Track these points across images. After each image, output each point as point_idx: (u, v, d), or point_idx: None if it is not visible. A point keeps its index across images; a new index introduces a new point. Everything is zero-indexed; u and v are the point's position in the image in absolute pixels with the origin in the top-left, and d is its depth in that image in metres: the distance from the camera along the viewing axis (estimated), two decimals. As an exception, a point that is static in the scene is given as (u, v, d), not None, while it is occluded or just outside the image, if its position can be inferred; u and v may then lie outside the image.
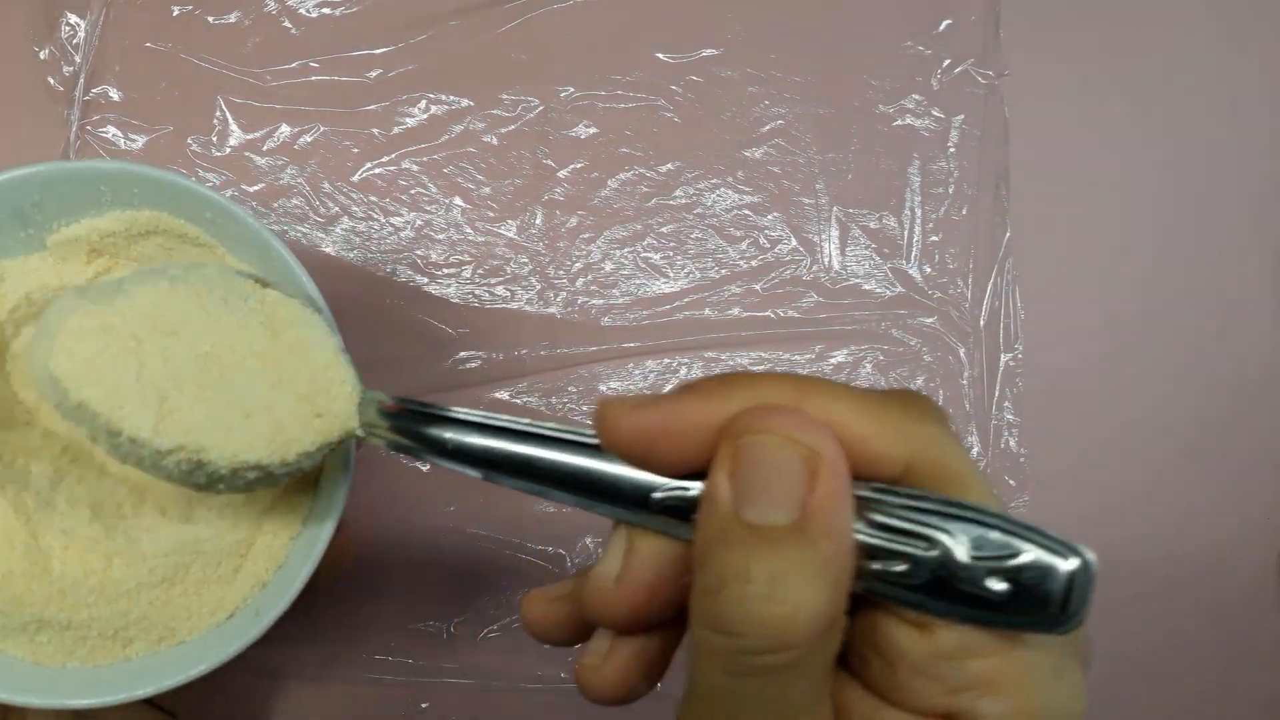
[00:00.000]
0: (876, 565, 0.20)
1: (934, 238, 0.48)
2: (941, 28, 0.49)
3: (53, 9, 0.46)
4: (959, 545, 0.19)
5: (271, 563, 0.31)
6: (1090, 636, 0.21)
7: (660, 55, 0.48)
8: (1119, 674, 0.45)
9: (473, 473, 0.24)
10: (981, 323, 0.47)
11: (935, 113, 0.49)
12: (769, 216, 0.47)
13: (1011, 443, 0.46)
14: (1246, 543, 0.47)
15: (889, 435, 0.20)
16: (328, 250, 0.46)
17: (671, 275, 0.47)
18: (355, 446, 0.30)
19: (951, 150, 0.48)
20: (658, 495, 0.22)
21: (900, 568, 0.19)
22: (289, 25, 0.47)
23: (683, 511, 0.21)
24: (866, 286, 0.47)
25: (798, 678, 0.19)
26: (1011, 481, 0.46)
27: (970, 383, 0.47)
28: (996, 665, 0.19)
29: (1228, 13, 0.51)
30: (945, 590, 0.19)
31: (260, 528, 0.31)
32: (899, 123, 0.49)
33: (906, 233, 0.48)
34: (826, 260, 0.47)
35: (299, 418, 0.27)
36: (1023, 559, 0.19)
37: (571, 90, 0.48)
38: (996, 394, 0.47)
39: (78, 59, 0.46)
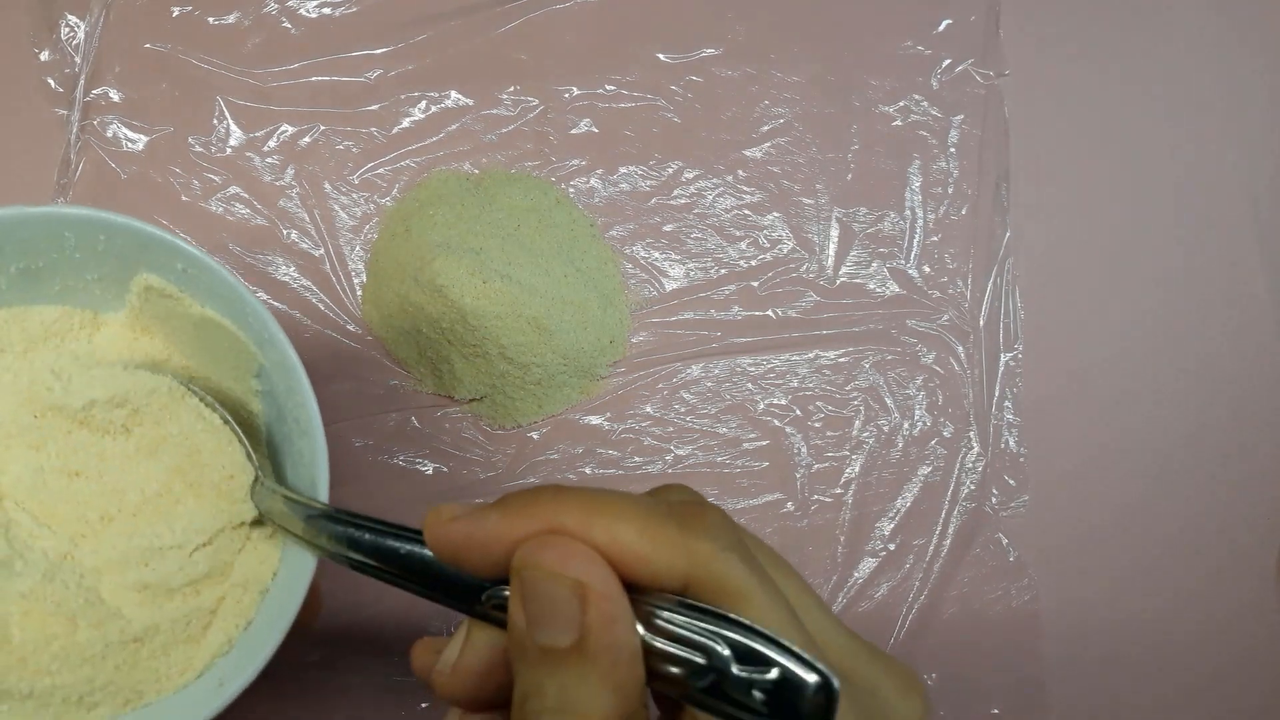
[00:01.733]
0: (671, 669, 0.22)
1: (934, 238, 0.48)
2: (941, 28, 0.49)
3: (53, 10, 0.46)
4: (730, 656, 0.21)
5: (241, 619, 0.31)
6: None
7: (660, 55, 0.48)
8: (1118, 674, 0.45)
9: (342, 563, 0.27)
10: (981, 323, 0.47)
11: (935, 113, 0.48)
12: (769, 216, 0.47)
13: (1011, 443, 0.46)
14: (1246, 543, 0.47)
15: (666, 554, 0.22)
16: (328, 250, 0.46)
17: (671, 275, 0.47)
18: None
19: (951, 150, 0.48)
20: (485, 595, 0.24)
21: (683, 674, 0.22)
22: (289, 26, 0.47)
23: (503, 610, 0.24)
24: (866, 286, 0.47)
25: None
26: (1012, 481, 0.46)
27: (970, 383, 0.47)
28: None
29: (1230, 12, 0.51)
30: (718, 697, 0.21)
31: (229, 581, 0.31)
32: (899, 123, 0.49)
33: (906, 233, 0.48)
34: (826, 260, 0.47)
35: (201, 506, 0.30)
36: (775, 673, 0.21)
37: (571, 90, 0.48)
38: (996, 394, 0.47)
39: (78, 60, 0.46)
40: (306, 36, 0.47)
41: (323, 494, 0.29)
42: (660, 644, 0.22)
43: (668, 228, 0.47)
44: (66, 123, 0.45)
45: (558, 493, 0.23)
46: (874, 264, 0.47)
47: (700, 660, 0.22)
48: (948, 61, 0.49)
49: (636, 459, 0.45)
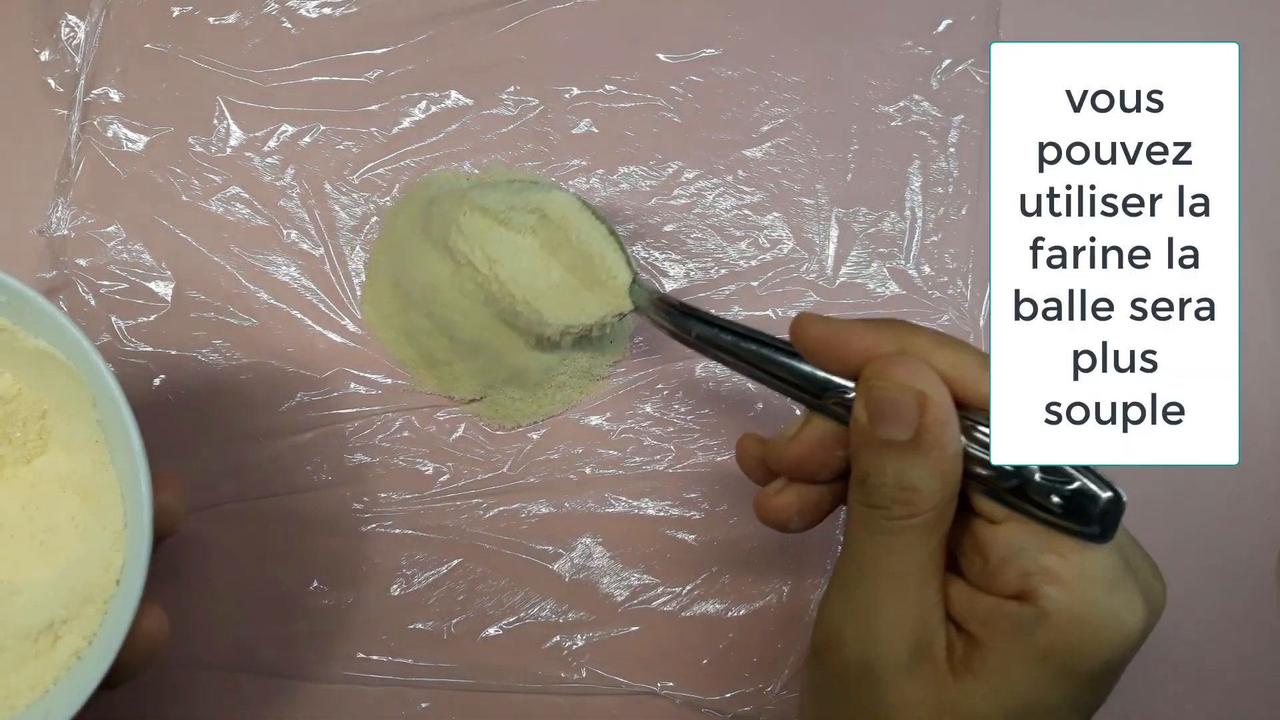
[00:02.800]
0: (983, 470, 0.28)
1: (934, 238, 0.48)
2: (941, 28, 0.49)
3: (52, 10, 0.46)
4: (1034, 466, 0.27)
5: (83, 642, 0.30)
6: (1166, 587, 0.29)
7: (660, 55, 0.48)
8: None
9: (709, 353, 0.34)
10: (981, 323, 0.47)
11: (935, 113, 0.49)
12: (769, 216, 0.48)
13: (1011, 443, 0.46)
14: (1246, 543, 0.47)
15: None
16: (328, 250, 0.46)
17: (671, 275, 0.47)
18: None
19: (951, 150, 0.48)
20: (828, 394, 0.30)
21: (996, 475, 0.28)
22: (289, 25, 0.47)
23: (843, 406, 0.30)
24: (866, 286, 0.47)
25: (917, 539, 0.28)
26: (1011, 481, 0.46)
27: (970, 383, 0.47)
28: (1060, 563, 0.27)
29: (1226, 14, 0.51)
30: (1023, 495, 0.27)
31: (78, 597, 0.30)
32: (899, 123, 0.49)
33: (906, 233, 0.48)
34: (826, 260, 0.47)
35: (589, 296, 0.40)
36: (1075, 484, 0.27)
37: (571, 90, 0.48)
38: (996, 394, 0.47)
39: (78, 60, 0.46)
40: (306, 36, 0.47)
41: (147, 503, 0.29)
42: (977, 450, 0.28)
43: (668, 228, 0.47)
44: (66, 123, 0.45)
45: (908, 327, 0.30)
46: (874, 264, 0.47)
47: (1009, 465, 0.27)
48: (948, 61, 0.49)
49: (636, 459, 0.45)
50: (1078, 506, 0.26)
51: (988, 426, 0.28)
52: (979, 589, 0.29)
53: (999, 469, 0.27)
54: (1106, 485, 0.26)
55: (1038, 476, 0.27)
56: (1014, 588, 0.28)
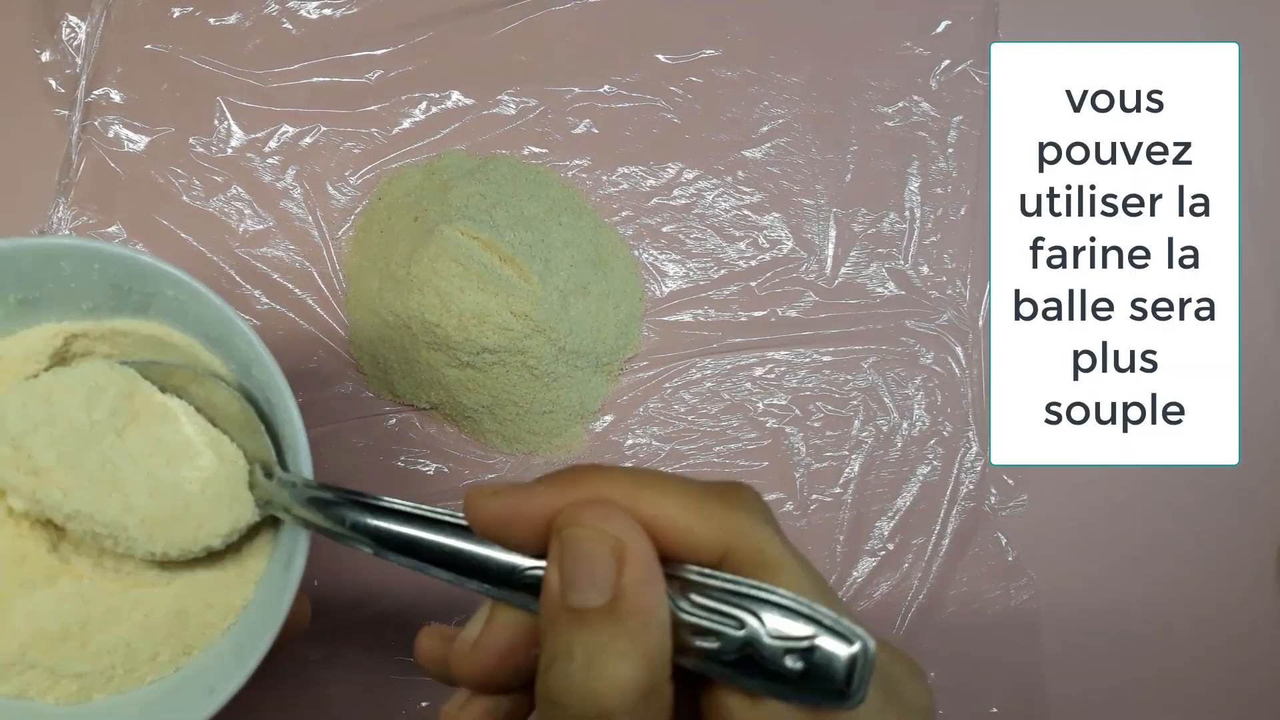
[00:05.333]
0: (699, 642, 0.22)
1: (933, 238, 0.48)
2: (940, 28, 0.49)
3: (53, 11, 0.46)
4: (763, 626, 0.22)
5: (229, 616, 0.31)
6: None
7: (660, 55, 0.48)
8: (1117, 672, 0.45)
9: (365, 549, 0.27)
10: (980, 323, 0.47)
11: (934, 113, 0.49)
12: (769, 216, 0.48)
13: (1011, 442, 0.46)
14: (1246, 541, 0.47)
15: (708, 524, 0.23)
16: (329, 251, 0.46)
17: (671, 275, 0.47)
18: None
19: (951, 150, 0.48)
20: (518, 575, 0.25)
21: (714, 644, 0.22)
22: (289, 26, 0.47)
23: (536, 589, 0.24)
24: (866, 287, 0.47)
25: None
26: (1010, 481, 0.46)
27: (969, 383, 0.47)
28: None
29: (1226, 14, 0.51)
30: (753, 667, 0.22)
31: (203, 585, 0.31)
32: (898, 123, 0.49)
33: (906, 233, 0.48)
34: (825, 260, 0.47)
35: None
36: (813, 642, 0.22)
37: (572, 90, 0.48)
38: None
39: (79, 61, 0.46)
40: (307, 37, 0.47)
41: (308, 472, 0.30)
42: (690, 614, 0.23)
43: (667, 228, 0.47)
44: (68, 123, 0.45)
45: (603, 469, 0.24)
46: (873, 264, 0.48)
47: (732, 631, 0.22)
48: (947, 62, 0.49)
49: (636, 459, 0.45)
50: (819, 670, 0.22)
51: (704, 578, 0.23)
52: None
53: (725, 638, 0.22)
54: (852, 635, 0.22)
55: (767, 640, 0.22)
56: None
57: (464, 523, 0.25)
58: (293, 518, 0.29)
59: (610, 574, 0.22)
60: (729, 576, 0.23)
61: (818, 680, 0.22)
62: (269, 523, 0.31)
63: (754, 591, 0.22)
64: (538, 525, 0.24)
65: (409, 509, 0.27)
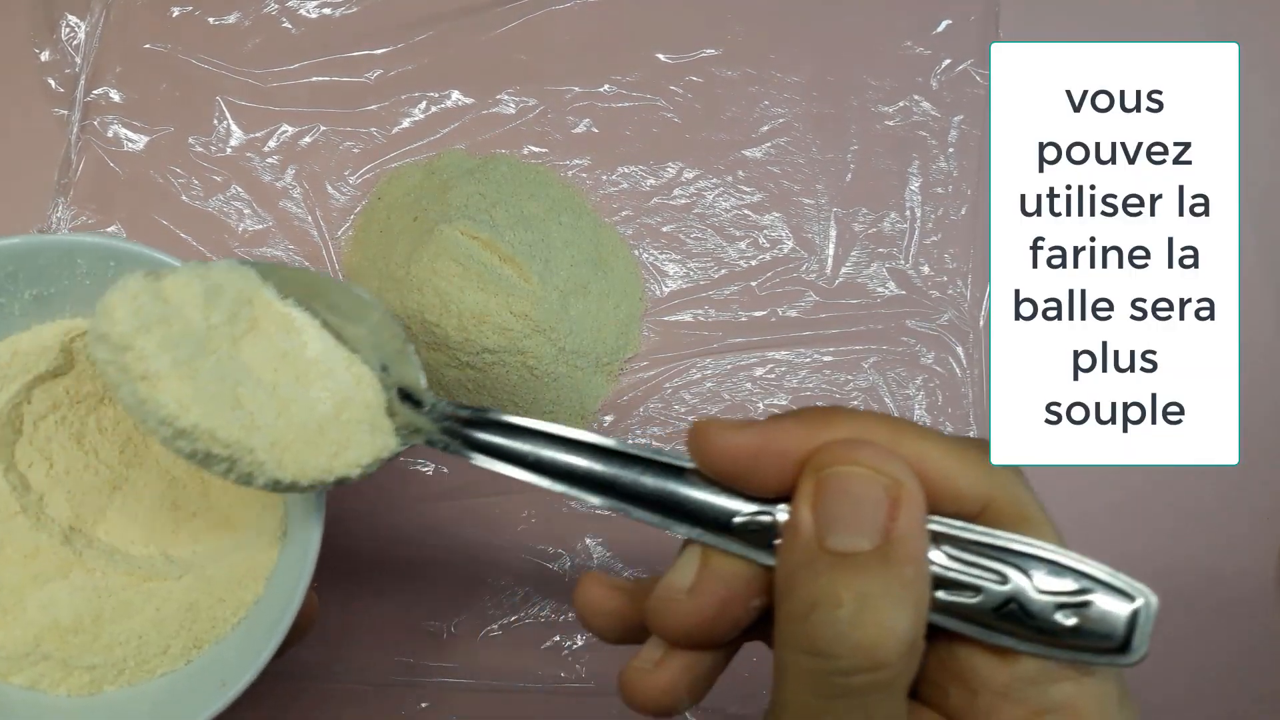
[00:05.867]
0: (947, 596, 0.21)
1: (934, 238, 0.48)
2: (941, 28, 0.49)
3: (53, 11, 0.46)
4: (1030, 581, 0.21)
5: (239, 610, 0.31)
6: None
7: (660, 55, 0.48)
8: (1118, 673, 0.45)
9: (556, 488, 0.24)
10: (981, 323, 0.47)
11: (935, 113, 0.49)
12: (769, 216, 0.48)
13: (1011, 442, 0.46)
14: (1246, 542, 0.47)
15: (972, 474, 0.22)
16: (329, 251, 0.46)
17: (671, 275, 0.47)
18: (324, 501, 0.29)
19: (951, 150, 0.48)
20: (739, 520, 0.23)
21: (972, 599, 0.21)
22: (289, 26, 0.47)
23: (760, 536, 0.22)
24: (866, 286, 0.47)
25: (885, 698, 0.20)
26: (1011, 481, 0.46)
27: (970, 383, 0.47)
28: (1074, 691, 0.21)
29: (1226, 14, 0.51)
30: (1013, 621, 0.21)
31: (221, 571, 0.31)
32: (899, 122, 0.49)
33: (906, 233, 0.48)
34: (826, 260, 0.47)
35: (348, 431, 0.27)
36: (1090, 596, 0.21)
37: (572, 90, 0.48)
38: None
39: (78, 60, 0.46)
40: (307, 36, 0.47)
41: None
42: (944, 568, 0.21)
43: (667, 228, 0.47)
44: (67, 123, 0.45)
45: (851, 410, 0.22)
46: (874, 264, 0.47)
47: (995, 585, 0.21)
48: (947, 61, 0.49)
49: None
50: (1097, 626, 0.21)
51: (966, 533, 0.22)
52: None
53: (985, 592, 0.21)
54: (1132, 590, 0.21)
55: (1034, 593, 0.21)
56: None
57: (668, 461, 0.24)
58: (456, 451, 0.26)
59: (881, 517, 0.20)
60: (990, 530, 0.22)
61: (1092, 636, 0.21)
62: (280, 516, 0.31)
63: (1021, 547, 0.22)
64: (787, 464, 0.22)
65: (603, 443, 0.24)
